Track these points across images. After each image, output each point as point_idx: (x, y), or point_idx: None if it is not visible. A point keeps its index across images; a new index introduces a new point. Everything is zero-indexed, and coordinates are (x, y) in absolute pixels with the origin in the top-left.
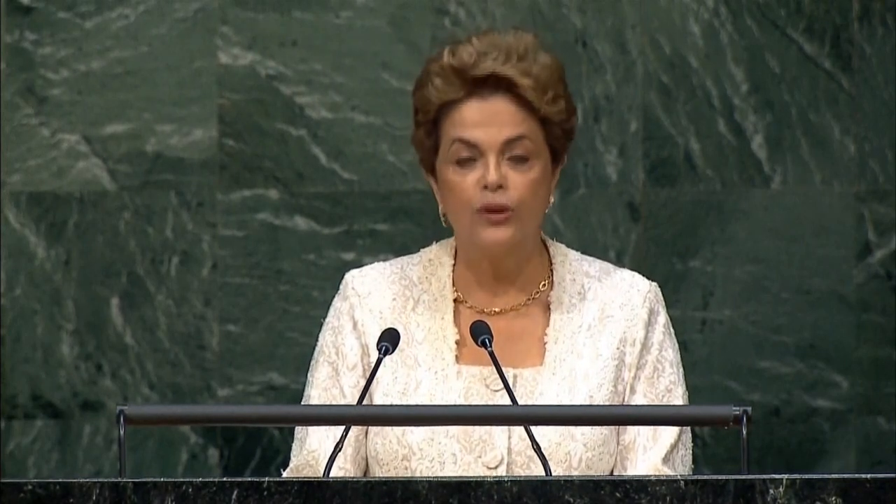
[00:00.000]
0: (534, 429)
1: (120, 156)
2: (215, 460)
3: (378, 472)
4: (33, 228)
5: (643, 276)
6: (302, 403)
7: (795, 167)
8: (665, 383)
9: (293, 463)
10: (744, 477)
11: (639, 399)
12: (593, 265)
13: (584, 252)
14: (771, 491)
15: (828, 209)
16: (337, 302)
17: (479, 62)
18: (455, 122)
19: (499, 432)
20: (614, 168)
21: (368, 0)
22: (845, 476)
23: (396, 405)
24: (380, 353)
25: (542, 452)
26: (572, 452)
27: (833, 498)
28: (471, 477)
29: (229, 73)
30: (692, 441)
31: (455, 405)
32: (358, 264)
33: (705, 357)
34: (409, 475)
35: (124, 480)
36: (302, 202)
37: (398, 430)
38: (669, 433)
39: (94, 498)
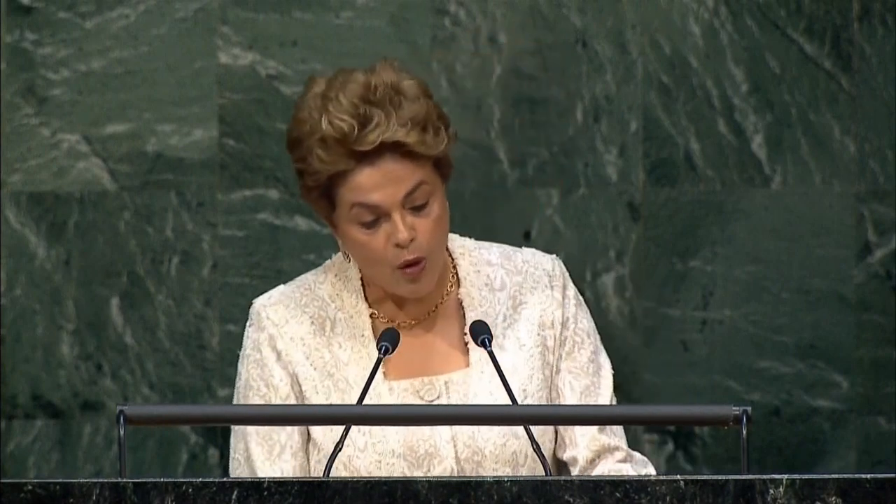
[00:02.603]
0: (477, 432)
1: (120, 156)
2: (215, 460)
3: None
4: (33, 228)
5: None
6: (235, 436)
7: (795, 167)
8: (587, 354)
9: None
10: (744, 477)
11: (564, 377)
12: (492, 251)
13: (584, 252)
14: (771, 491)
15: (828, 209)
16: (252, 333)
17: (361, 135)
18: (351, 188)
19: (443, 444)
20: (614, 168)
21: (368, 0)
22: (845, 476)
23: (397, 405)
24: (379, 353)
25: (541, 452)
26: (518, 451)
27: (833, 498)
28: (471, 477)
29: (229, 73)
30: (692, 441)
31: (457, 405)
32: None
33: (705, 357)
34: None
35: (124, 480)
36: (302, 202)
37: (343, 456)
38: (603, 400)
39: (94, 498)
